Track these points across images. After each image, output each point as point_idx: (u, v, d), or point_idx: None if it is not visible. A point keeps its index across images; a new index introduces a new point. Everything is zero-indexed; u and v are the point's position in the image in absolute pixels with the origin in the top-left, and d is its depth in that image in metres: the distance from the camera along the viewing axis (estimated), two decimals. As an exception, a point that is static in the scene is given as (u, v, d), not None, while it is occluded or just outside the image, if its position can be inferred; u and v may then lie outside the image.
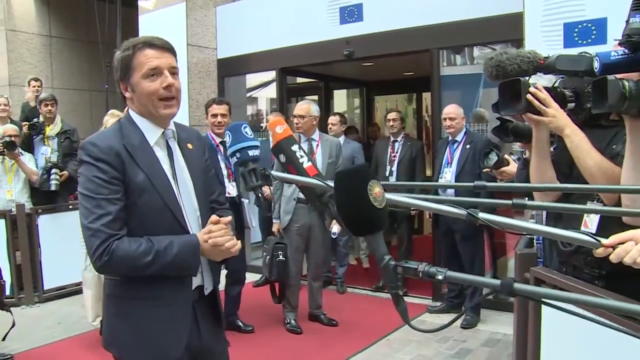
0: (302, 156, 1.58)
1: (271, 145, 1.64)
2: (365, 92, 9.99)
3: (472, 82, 5.79)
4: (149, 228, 1.83)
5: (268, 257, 4.73)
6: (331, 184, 1.39)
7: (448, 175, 5.04)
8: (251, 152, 1.67)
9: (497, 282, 0.98)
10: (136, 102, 1.90)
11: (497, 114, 2.19)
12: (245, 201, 4.93)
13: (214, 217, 1.88)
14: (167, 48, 1.89)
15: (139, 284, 1.85)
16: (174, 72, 1.88)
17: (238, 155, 1.67)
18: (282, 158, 1.60)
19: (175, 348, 1.88)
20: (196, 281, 1.95)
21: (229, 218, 1.90)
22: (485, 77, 5.43)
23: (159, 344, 1.88)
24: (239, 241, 1.90)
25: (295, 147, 1.60)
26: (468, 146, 4.98)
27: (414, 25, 5.68)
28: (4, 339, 4.25)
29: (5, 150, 5.79)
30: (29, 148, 6.41)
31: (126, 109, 2.06)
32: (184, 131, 2.06)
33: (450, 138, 5.13)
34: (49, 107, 6.48)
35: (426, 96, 8.43)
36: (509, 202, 1.31)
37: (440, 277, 1.05)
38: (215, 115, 4.75)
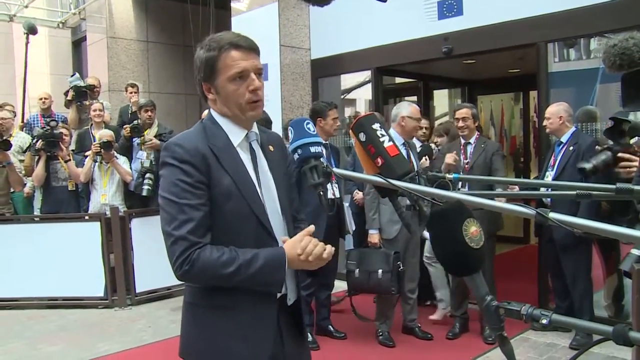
0: (383, 135, 1.61)
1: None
2: (468, 91, 9.78)
3: (586, 78, 5.53)
4: (234, 234, 1.83)
5: (387, 272, 4.65)
6: (397, 183, 1.40)
7: (548, 180, 4.83)
8: (313, 149, 1.73)
9: (609, 329, 0.96)
10: (220, 104, 1.91)
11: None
12: (346, 205, 5.00)
13: (311, 228, 1.88)
14: (253, 49, 1.89)
15: (220, 292, 1.85)
16: (259, 73, 1.90)
17: (299, 151, 1.73)
18: (362, 137, 1.62)
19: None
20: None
21: (312, 227, 1.90)
22: (602, 72, 5.17)
23: (240, 356, 1.87)
24: (331, 246, 1.87)
25: (376, 125, 1.63)
26: (572, 148, 4.75)
27: (518, 18, 5.55)
28: None
29: (102, 150, 6.22)
30: (129, 152, 6.84)
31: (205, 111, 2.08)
32: (265, 134, 2.06)
33: (556, 139, 4.95)
34: (149, 113, 6.88)
35: (534, 95, 8.15)
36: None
37: (544, 322, 1.06)
38: (336, 120, 5.02)
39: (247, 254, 1.78)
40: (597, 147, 3.58)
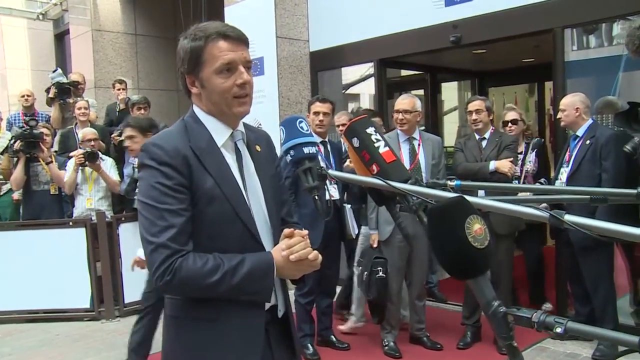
0: (378, 140, 1.58)
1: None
2: (478, 83, 9.74)
3: (608, 67, 5.43)
4: (219, 240, 1.81)
5: (366, 273, 4.70)
6: (396, 185, 1.35)
7: (563, 177, 4.78)
8: (306, 150, 1.71)
9: (634, 339, 0.94)
10: (205, 99, 1.87)
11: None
12: (347, 206, 4.96)
13: (287, 230, 1.85)
14: (242, 40, 1.85)
15: (204, 303, 1.82)
16: (248, 66, 1.86)
17: (292, 152, 1.70)
18: (356, 142, 1.60)
19: None
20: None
21: (306, 232, 1.87)
22: (626, 59, 5.10)
23: None
24: (317, 252, 1.84)
25: (370, 130, 1.61)
26: (588, 142, 4.66)
27: (532, 2, 5.46)
28: None
29: (86, 161, 6.13)
30: (122, 157, 6.78)
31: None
32: (252, 132, 2.04)
33: (571, 133, 4.88)
34: (142, 111, 6.82)
35: (550, 86, 8.09)
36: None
37: (559, 330, 1.03)
38: (317, 114, 4.87)
39: (232, 261, 1.75)
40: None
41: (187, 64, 1.85)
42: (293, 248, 1.79)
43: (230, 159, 1.89)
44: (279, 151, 2.08)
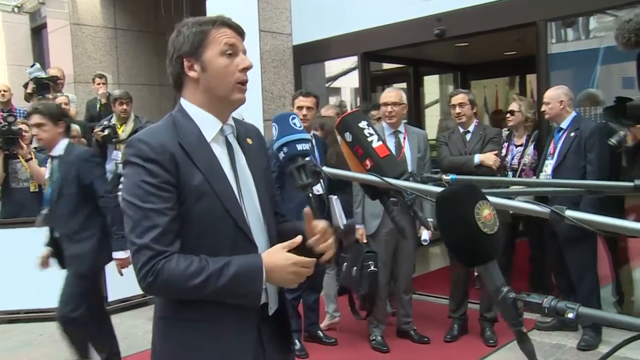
0: (371, 134, 1.56)
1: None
2: (460, 76, 9.78)
3: (586, 60, 5.49)
4: (208, 239, 1.77)
5: (356, 268, 4.67)
6: (392, 181, 1.34)
7: (548, 169, 4.83)
8: (300, 146, 1.67)
9: None
10: (203, 84, 1.83)
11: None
12: (334, 197, 4.95)
13: (299, 238, 1.78)
14: (240, 32, 1.88)
15: (192, 304, 1.78)
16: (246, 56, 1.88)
17: (285, 149, 1.67)
18: (348, 137, 1.58)
19: None
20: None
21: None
22: (603, 53, 5.14)
23: None
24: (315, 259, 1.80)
25: (363, 124, 1.58)
26: (573, 134, 4.71)
27: (516, -5, 5.50)
28: None
29: None
30: (104, 153, 6.69)
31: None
32: (242, 126, 2.00)
33: (556, 126, 4.92)
34: (124, 106, 6.73)
35: (531, 79, 8.14)
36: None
37: (570, 315, 1.01)
38: (300, 108, 4.84)
39: (218, 263, 1.71)
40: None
41: (190, 46, 1.82)
42: (303, 265, 1.76)
43: (221, 153, 1.86)
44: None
